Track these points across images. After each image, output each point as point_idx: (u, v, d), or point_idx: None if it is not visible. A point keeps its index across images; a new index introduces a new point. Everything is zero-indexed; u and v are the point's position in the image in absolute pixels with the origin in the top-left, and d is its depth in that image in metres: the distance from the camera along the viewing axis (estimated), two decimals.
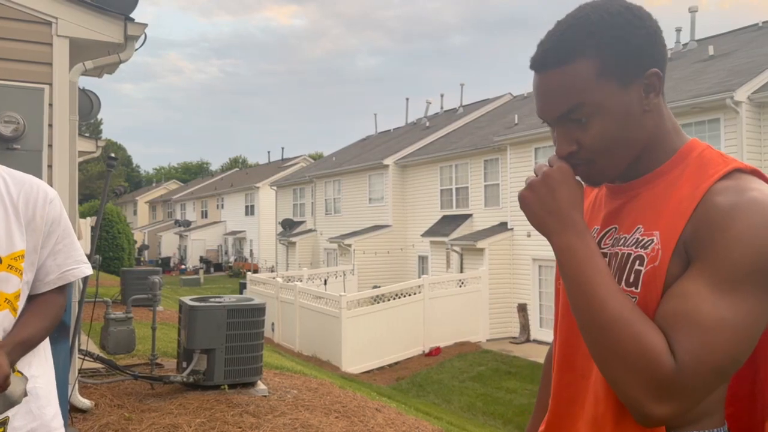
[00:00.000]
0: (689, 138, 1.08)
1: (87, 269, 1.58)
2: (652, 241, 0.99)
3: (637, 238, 1.02)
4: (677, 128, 1.08)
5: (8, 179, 1.47)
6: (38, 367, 1.48)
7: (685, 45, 17.53)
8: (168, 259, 38.01)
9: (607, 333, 0.93)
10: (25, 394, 1.40)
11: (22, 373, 1.40)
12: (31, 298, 1.49)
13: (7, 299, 1.39)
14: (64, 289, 1.56)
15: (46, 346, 1.55)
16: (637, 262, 0.99)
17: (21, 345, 1.39)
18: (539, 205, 1.03)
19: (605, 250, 1.08)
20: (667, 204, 1.01)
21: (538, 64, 1.04)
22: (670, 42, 18.43)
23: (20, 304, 1.44)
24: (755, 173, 1.00)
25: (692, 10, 17.31)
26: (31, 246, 1.45)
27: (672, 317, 0.92)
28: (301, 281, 17.70)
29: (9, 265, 1.40)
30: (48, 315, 1.50)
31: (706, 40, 17.18)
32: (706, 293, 0.90)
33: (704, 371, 0.89)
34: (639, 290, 0.98)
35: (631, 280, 1.00)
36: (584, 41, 0.99)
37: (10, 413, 1.38)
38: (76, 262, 1.55)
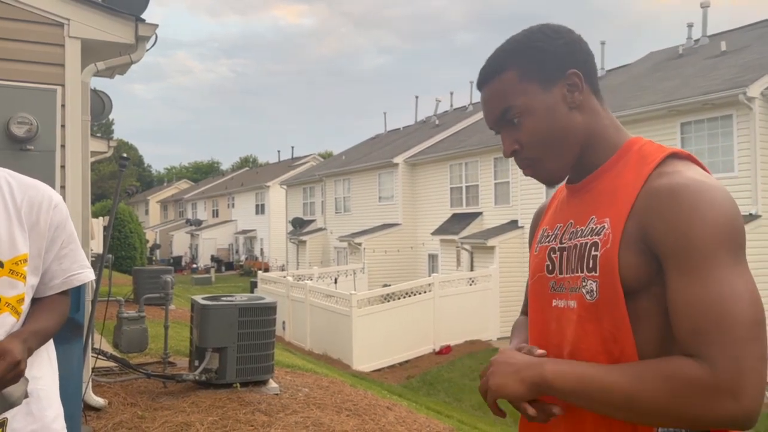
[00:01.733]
0: (631, 136, 1.18)
1: (90, 274, 1.60)
2: (604, 227, 1.08)
3: (592, 228, 1.11)
4: (617, 126, 1.18)
5: (13, 183, 1.46)
6: (40, 369, 1.48)
7: (696, 41, 17.37)
8: (179, 258, 38.22)
9: (643, 403, 0.97)
10: (26, 396, 1.39)
11: (23, 372, 1.39)
12: (36, 301, 1.49)
13: (7, 303, 1.38)
14: (68, 292, 1.57)
15: (49, 348, 1.55)
16: (593, 248, 1.08)
17: (36, 334, 1.40)
18: (505, 374, 1.08)
19: (565, 244, 1.17)
20: (614, 193, 1.10)
21: (477, 83, 1.21)
22: (681, 38, 18.31)
23: (24, 308, 1.43)
24: (690, 158, 1.11)
25: (704, 6, 17.14)
26: (35, 251, 1.45)
27: (688, 330, 0.97)
28: (311, 280, 17.74)
29: (11, 270, 1.39)
30: (56, 314, 1.51)
31: (717, 36, 17.03)
32: (693, 286, 0.96)
33: (740, 349, 0.93)
34: (598, 273, 1.06)
35: (590, 265, 1.08)
36: (507, 56, 1.16)
37: (8, 414, 1.37)
38: (81, 267, 1.56)
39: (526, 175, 1.20)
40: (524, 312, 1.47)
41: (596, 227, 1.10)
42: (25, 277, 1.42)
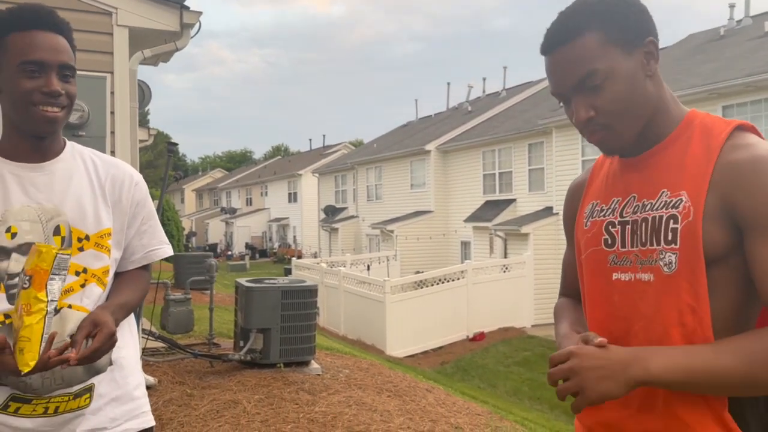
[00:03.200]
0: (688, 109, 1.19)
1: (169, 250, 1.66)
2: (681, 200, 1.08)
3: (666, 201, 1.11)
4: (675, 99, 1.19)
5: (98, 162, 1.53)
6: (123, 338, 1.53)
7: (738, 22, 16.86)
8: (215, 245, 38.86)
9: (759, 380, 1.00)
10: (110, 363, 1.46)
11: (116, 342, 1.46)
12: (119, 275, 1.55)
13: (94, 274, 1.45)
14: (148, 267, 1.63)
15: (130, 319, 1.61)
16: (672, 221, 1.09)
17: (122, 307, 1.46)
18: (605, 378, 1.03)
19: (628, 218, 1.17)
20: (684, 166, 1.11)
21: (548, 46, 1.15)
22: (723, 19, 17.77)
23: (109, 280, 1.49)
24: (753, 130, 1.13)
25: None
26: (117, 226, 1.51)
27: None
28: (344, 267, 17.87)
29: (96, 243, 1.45)
30: (137, 287, 1.57)
31: (761, 16, 16.49)
32: None
33: None
34: (678, 246, 1.07)
35: (670, 238, 1.09)
36: (588, 18, 1.11)
37: (94, 380, 1.44)
38: (160, 243, 1.62)
39: (591, 141, 1.18)
40: (564, 294, 1.46)
41: (671, 200, 1.10)
42: (109, 251, 1.48)
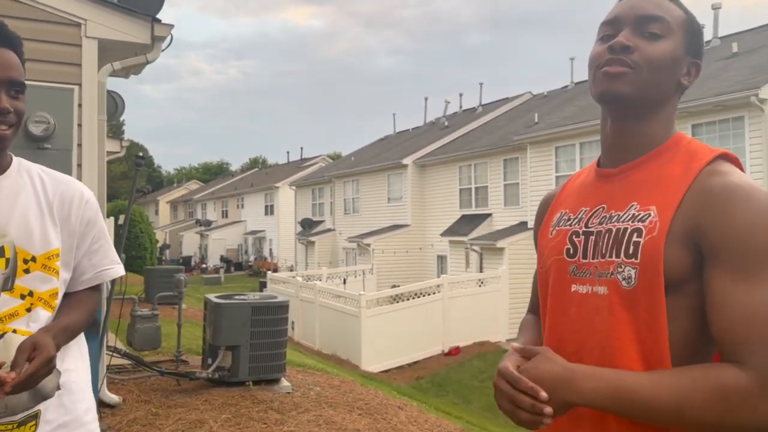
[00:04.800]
0: (678, 131, 1.19)
1: (120, 270, 1.61)
2: (650, 214, 1.06)
3: (633, 214, 1.09)
4: (673, 122, 1.19)
5: (46, 179, 1.48)
6: (72, 362, 1.49)
7: (707, 42, 17.27)
8: (189, 258, 38.35)
9: (689, 416, 0.97)
10: (58, 388, 1.40)
11: (54, 367, 1.41)
12: (67, 296, 1.50)
13: (40, 297, 1.39)
14: (98, 288, 1.58)
15: (81, 341, 1.56)
16: (635, 234, 1.06)
17: (64, 330, 1.40)
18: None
19: (593, 229, 1.15)
20: (660, 183, 1.09)
21: None
22: None
23: (57, 302, 1.44)
24: (736, 162, 1.11)
25: (715, 7, 17.04)
26: (66, 246, 1.46)
27: (737, 334, 0.98)
28: (320, 280, 17.76)
29: (43, 264, 1.40)
30: (85, 309, 1.51)
31: (729, 38, 16.92)
32: (750, 292, 0.97)
33: None
34: (639, 260, 1.05)
35: (631, 251, 1.06)
36: (683, 7, 1.19)
37: (41, 407, 1.38)
38: (111, 263, 1.57)
39: (607, 72, 1.12)
40: (531, 310, 1.43)
41: (639, 214, 1.08)
42: (57, 272, 1.43)
